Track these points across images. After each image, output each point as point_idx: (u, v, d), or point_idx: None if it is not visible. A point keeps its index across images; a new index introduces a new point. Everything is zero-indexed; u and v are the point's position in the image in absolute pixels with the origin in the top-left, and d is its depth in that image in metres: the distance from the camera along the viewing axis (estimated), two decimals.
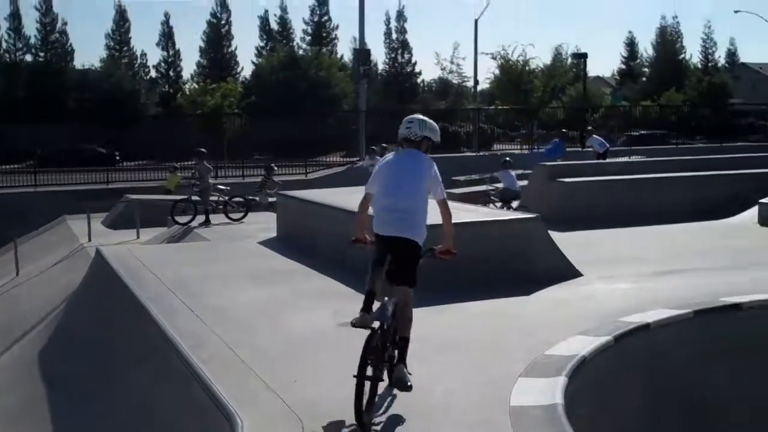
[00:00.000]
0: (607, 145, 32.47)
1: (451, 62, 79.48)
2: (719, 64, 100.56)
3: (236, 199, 22.40)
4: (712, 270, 13.05)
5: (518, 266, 11.82)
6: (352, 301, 10.96)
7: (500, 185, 23.85)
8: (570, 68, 75.73)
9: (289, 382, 7.54)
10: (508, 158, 25.68)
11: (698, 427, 9.16)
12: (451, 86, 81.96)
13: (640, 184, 23.53)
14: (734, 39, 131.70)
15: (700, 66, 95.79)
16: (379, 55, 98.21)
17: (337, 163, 40.56)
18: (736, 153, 33.33)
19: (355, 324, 6.55)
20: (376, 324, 6.58)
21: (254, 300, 11.20)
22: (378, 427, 6.52)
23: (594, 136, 34.13)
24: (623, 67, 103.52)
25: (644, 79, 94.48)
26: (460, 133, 46.51)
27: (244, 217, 21.55)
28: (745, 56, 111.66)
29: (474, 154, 32.47)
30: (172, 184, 30.83)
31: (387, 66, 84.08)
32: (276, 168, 26.07)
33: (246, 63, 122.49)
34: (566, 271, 12.26)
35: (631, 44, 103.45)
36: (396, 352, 7.05)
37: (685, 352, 9.32)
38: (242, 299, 11.26)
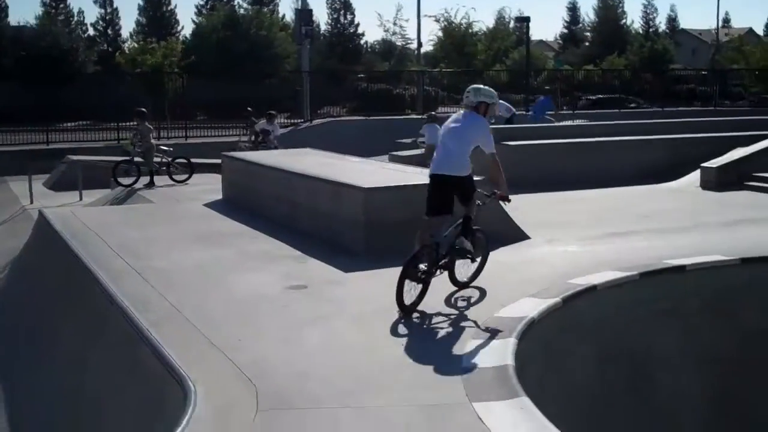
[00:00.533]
0: (513, 110, 32.31)
1: (395, 24, 79.16)
2: (660, 30, 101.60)
3: (180, 160, 22.09)
4: (656, 232, 13.22)
5: None
6: (299, 263, 11.00)
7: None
8: (513, 32, 75.92)
9: (238, 344, 7.49)
10: (433, 113, 25.80)
11: (644, 386, 9.31)
12: (394, 48, 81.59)
13: (585, 147, 23.70)
14: (674, 5, 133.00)
15: (641, 31, 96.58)
16: (321, 16, 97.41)
17: (281, 125, 40.16)
18: (677, 118, 33.72)
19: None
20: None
21: (200, 262, 11.09)
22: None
23: (501, 101, 33.83)
24: (566, 31, 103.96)
25: (586, 43, 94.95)
26: (405, 95, 46.37)
27: (188, 178, 21.26)
28: (686, 22, 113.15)
29: (419, 116, 32.44)
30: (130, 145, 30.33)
31: (330, 27, 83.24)
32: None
33: (186, 22, 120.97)
34: (514, 234, 12.31)
35: (573, 9, 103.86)
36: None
37: (631, 313, 9.45)
38: (188, 262, 11.14)
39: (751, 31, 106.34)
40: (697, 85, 55.66)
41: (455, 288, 9.37)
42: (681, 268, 10.10)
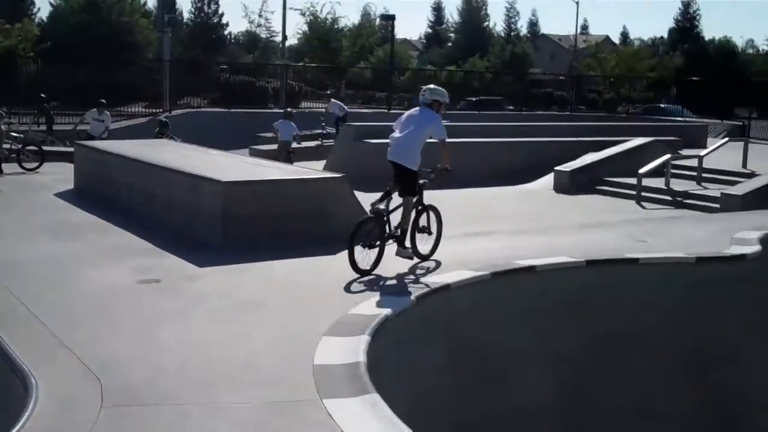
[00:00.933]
0: (346, 109, 32.70)
1: (260, 15, 78.57)
2: (522, 34, 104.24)
3: (30, 147, 21.32)
4: (510, 233, 13.56)
5: (324, 226, 11.80)
6: (153, 257, 10.79)
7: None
8: (378, 29, 76.47)
9: (86, 340, 7.29)
10: (289, 109, 26.05)
11: (494, 383, 9.53)
12: (259, 40, 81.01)
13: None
14: (536, 10, 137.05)
15: (503, 35, 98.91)
16: (185, 4, 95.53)
17: (139, 114, 39.13)
18: (536, 121, 34.64)
19: (371, 210, 10.25)
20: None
21: (50, 255, 10.75)
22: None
23: (333, 100, 34.08)
24: (430, 31, 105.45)
25: (450, 44, 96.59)
26: (268, 88, 45.96)
27: (39, 166, 20.53)
28: (546, 28, 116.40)
29: (281, 110, 32.29)
30: None
31: (193, 16, 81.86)
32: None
33: (43, 4, 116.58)
34: None
35: (438, 9, 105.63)
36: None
37: (483, 311, 9.66)
38: (38, 253, 10.78)
39: (607, 38, 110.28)
40: (555, 89, 57.32)
41: (412, 262, 10.52)
42: (531, 269, 10.38)
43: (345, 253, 9.79)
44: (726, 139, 27.46)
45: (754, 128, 36.64)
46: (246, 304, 8.59)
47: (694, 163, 22.54)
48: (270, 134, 25.93)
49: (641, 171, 20.96)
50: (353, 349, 7.16)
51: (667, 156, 22.21)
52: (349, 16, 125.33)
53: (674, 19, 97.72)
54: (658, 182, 21.15)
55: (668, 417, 10.83)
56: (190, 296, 8.98)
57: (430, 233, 10.98)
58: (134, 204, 13.82)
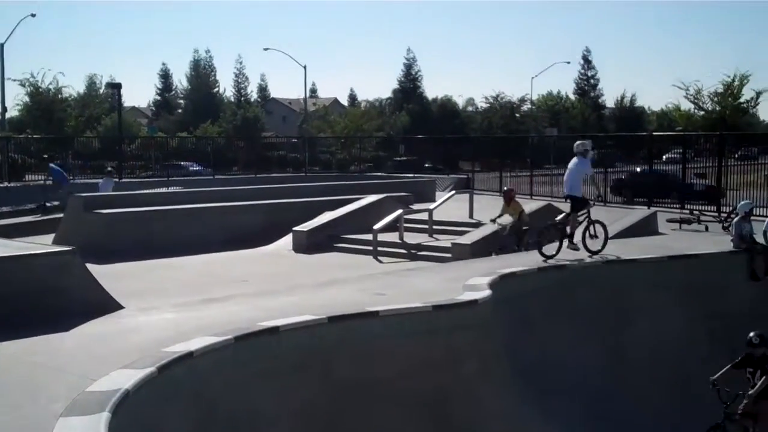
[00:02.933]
0: (65, 175, 31.42)
1: None
2: (252, 99, 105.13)
3: None
4: (251, 296, 13.46)
5: (54, 301, 11.21)
6: None
7: None
8: (105, 98, 74.64)
9: None
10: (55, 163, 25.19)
11: None
12: None
13: (177, 214, 23.69)
14: (265, 75, 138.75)
15: (234, 99, 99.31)
16: None
17: None
18: (271, 184, 34.84)
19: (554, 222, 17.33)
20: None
21: None
22: None
23: (51, 164, 32.65)
24: (159, 98, 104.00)
25: (180, 110, 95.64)
26: None
27: None
28: (276, 92, 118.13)
29: (5, 185, 30.62)
30: None
31: None
32: None
33: None
34: (106, 304, 11.90)
35: (165, 76, 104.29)
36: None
37: (230, 376, 9.48)
38: None
39: (336, 101, 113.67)
40: (289, 151, 58.05)
41: None
42: (275, 330, 10.32)
43: (78, 329, 9.33)
44: (452, 192, 28.85)
45: (477, 180, 38.74)
46: None
47: (425, 216, 23.47)
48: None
49: (376, 227, 21.57)
50: (93, 428, 6.78)
51: (400, 211, 23.02)
52: (74, 86, 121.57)
53: (398, 80, 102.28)
54: (393, 236, 21.84)
55: None
56: None
57: (596, 237, 16.61)
58: None
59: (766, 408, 11.25)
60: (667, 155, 39.01)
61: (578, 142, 16.71)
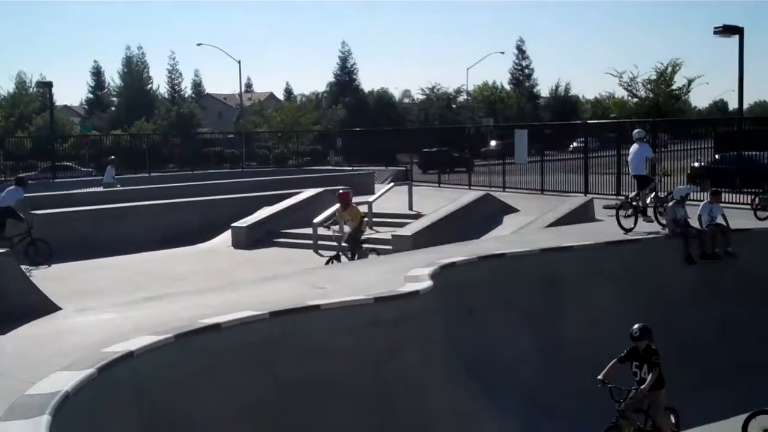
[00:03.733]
0: None
1: None
2: (186, 95, 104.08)
3: None
4: (190, 294, 13.35)
5: None
6: None
7: None
8: (36, 97, 73.29)
9: None
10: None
11: None
12: None
13: (113, 213, 23.43)
14: (199, 70, 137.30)
15: (168, 96, 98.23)
16: None
17: None
18: (208, 180, 34.55)
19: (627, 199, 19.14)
20: None
21: None
22: None
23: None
24: (91, 96, 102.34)
25: (114, 108, 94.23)
26: None
27: None
28: (211, 87, 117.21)
29: None
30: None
31: None
32: None
33: None
34: (44, 306, 11.74)
35: (98, 74, 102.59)
36: None
37: (171, 375, 9.40)
38: None
39: (272, 95, 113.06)
40: (225, 147, 57.61)
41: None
42: (216, 327, 10.26)
43: (16, 332, 9.17)
44: (391, 184, 28.95)
45: (415, 172, 38.92)
46: None
47: (365, 209, 23.48)
48: None
49: (315, 221, 21.53)
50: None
51: (338, 205, 23.00)
52: (2, 85, 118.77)
53: (334, 73, 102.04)
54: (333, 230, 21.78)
55: None
56: None
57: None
58: None
59: (656, 398, 11.26)
60: (574, 144, 38.64)
61: (636, 130, 19.39)
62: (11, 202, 20.88)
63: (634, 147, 18.93)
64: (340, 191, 20.16)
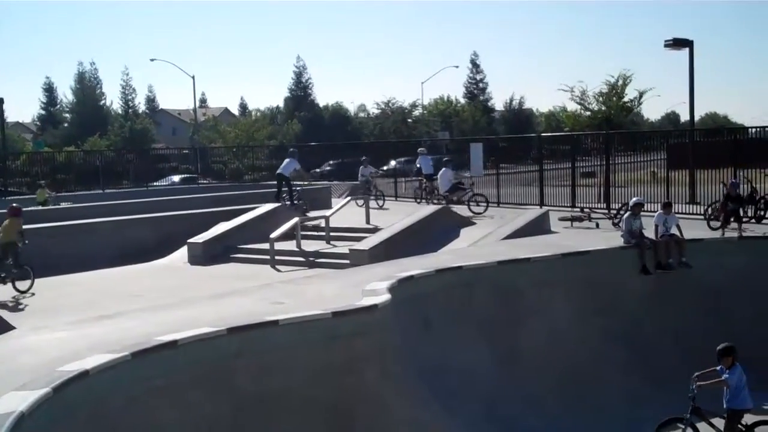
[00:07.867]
0: None
1: None
2: (141, 110, 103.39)
3: None
4: (146, 311, 13.22)
5: None
6: None
7: None
8: None
9: None
10: None
11: None
12: None
13: (66, 230, 23.17)
14: (153, 86, 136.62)
15: (121, 112, 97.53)
16: None
17: None
18: (163, 196, 34.32)
19: None
20: None
21: None
22: None
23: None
24: (44, 112, 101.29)
25: (66, 125, 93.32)
26: None
27: None
28: (165, 103, 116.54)
29: None
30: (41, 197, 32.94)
31: None
32: None
33: None
34: None
35: (50, 90, 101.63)
36: None
37: (128, 393, 9.31)
38: None
39: (227, 110, 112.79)
40: (180, 162, 57.27)
41: None
42: (173, 343, 10.17)
43: None
44: (348, 198, 28.96)
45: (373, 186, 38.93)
46: None
47: (322, 223, 23.49)
48: None
49: (272, 236, 21.49)
50: None
51: (296, 219, 23.01)
52: None
53: (289, 88, 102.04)
54: (291, 245, 21.80)
55: None
56: None
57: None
58: None
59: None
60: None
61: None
62: None
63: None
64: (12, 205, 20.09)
